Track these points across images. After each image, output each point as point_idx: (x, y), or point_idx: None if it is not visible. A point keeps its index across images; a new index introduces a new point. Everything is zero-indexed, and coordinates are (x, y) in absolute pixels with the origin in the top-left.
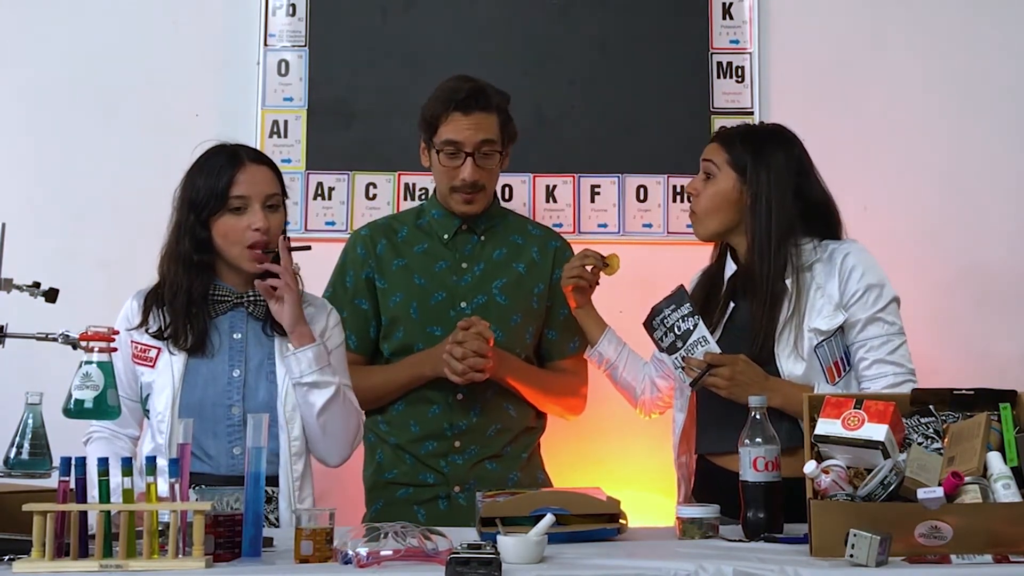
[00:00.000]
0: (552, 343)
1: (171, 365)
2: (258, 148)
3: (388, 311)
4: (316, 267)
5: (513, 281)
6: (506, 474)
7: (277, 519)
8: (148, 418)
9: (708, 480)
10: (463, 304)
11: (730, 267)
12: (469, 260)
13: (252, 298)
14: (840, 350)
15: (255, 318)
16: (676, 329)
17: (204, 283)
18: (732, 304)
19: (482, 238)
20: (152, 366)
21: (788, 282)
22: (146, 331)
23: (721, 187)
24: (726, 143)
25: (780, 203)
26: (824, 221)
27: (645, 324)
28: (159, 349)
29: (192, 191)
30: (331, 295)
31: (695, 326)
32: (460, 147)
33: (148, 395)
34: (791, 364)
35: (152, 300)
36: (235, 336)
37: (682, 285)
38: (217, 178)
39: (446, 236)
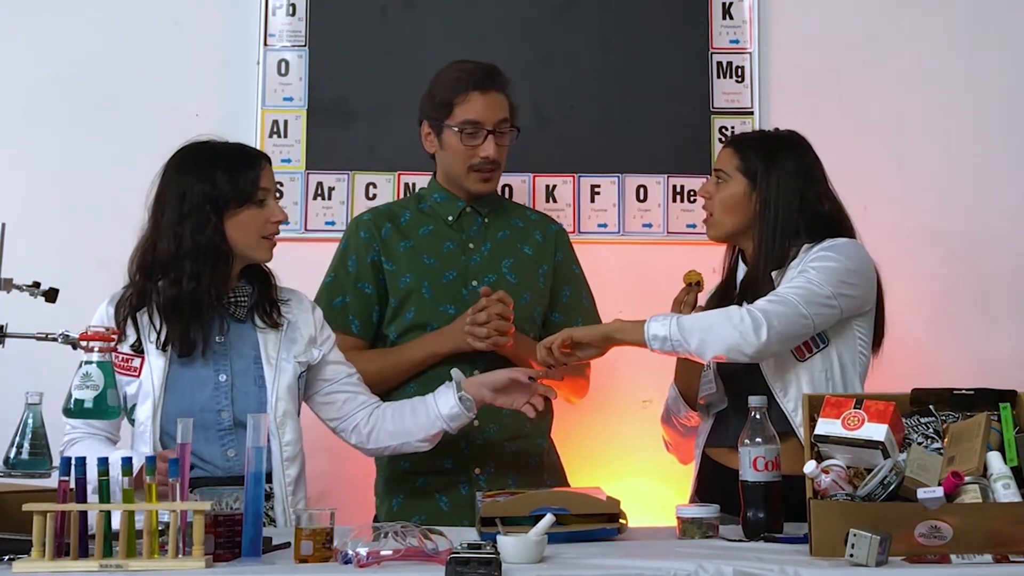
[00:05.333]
0: (558, 325)
1: (151, 374)
2: (258, 148)
3: (398, 292)
4: (316, 265)
5: (520, 261)
6: (526, 458)
7: (273, 519)
8: (133, 426)
9: (711, 478)
10: (474, 283)
11: (743, 271)
12: (475, 240)
13: (233, 299)
14: None
15: (236, 319)
16: None
17: (226, 272)
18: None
19: (486, 220)
20: (137, 375)
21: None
22: (124, 343)
23: (732, 191)
24: (738, 149)
25: (787, 210)
26: (834, 231)
27: None
28: (142, 358)
29: (210, 186)
30: (332, 280)
31: None
32: (481, 126)
33: (133, 405)
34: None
35: (127, 310)
36: (217, 339)
37: None
38: (247, 172)
39: (450, 218)
